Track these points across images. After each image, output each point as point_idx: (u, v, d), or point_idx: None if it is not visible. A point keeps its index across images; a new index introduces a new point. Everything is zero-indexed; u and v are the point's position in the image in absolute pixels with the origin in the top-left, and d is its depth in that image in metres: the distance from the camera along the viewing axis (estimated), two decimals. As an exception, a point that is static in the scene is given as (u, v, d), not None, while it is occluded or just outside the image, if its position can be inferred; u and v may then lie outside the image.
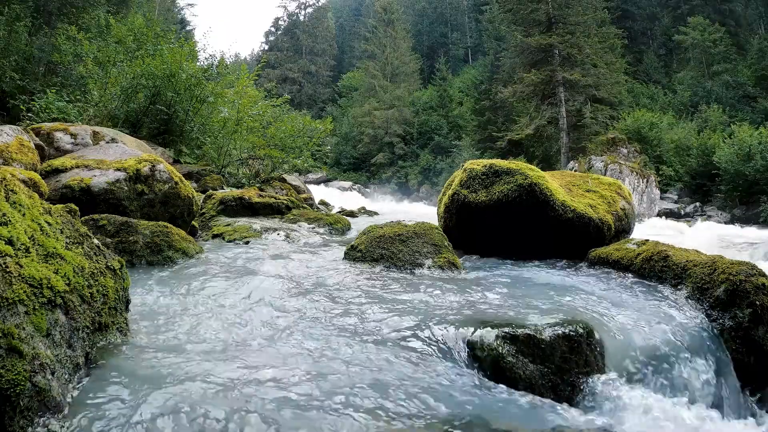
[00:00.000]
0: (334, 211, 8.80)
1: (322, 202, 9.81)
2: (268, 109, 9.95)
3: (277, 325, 1.86)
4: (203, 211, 4.96)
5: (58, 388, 1.14)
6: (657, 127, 25.20)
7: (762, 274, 2.25)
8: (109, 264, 1.60)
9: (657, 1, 40.29)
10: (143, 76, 8.14)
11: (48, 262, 1.31)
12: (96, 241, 1.64)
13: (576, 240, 3.35)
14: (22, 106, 8.11)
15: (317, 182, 29.18)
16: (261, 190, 6.77)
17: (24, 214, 1.35)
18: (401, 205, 24.46)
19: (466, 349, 1.69)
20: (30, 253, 1.25)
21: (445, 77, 41.36)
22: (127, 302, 1.69)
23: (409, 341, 1.73)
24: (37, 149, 4.12)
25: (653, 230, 10.62)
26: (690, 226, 13.51)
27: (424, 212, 13.52)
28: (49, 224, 1.44)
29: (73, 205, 1.71)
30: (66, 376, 1.21)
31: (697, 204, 21.84)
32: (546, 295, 2.37)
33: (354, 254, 2.96)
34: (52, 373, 1.14)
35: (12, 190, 1.37)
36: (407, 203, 27.40)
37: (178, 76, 8.12)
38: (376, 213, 10.77)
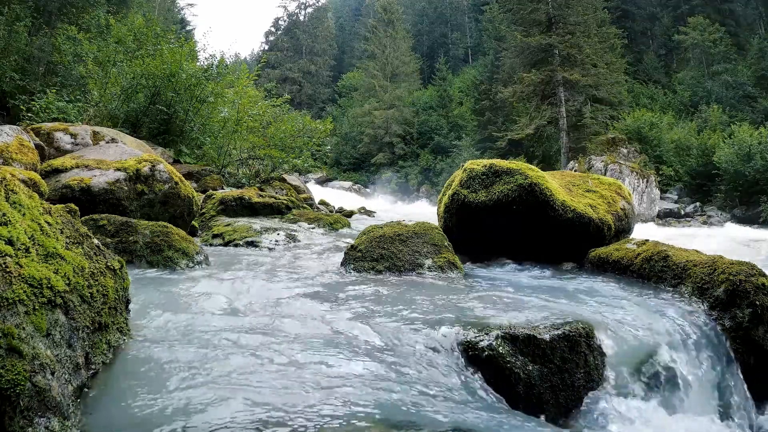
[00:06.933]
0: (333, 212, 8.80)
1: (322, 202, 9.80)
2: (268, 109, 9.96)
3: (276, 325, 1.86)
4: (203, 211, 4.96)
5: (58, 388, 1.14)
6: (657, 127, 25.20)
7: (762, 274, 2.25)
8: (109, 264, 1.60)
9: (657, 1, 40.26)
10: (143, 76, 8.14)
11: (48, 262, 1.30)
12: (96, 241, 1.64)
13: (576, 240, 3.35)
14: (22, 106, 8.11)
15: (317, 182, 29.18)
16: (261, 190, 6.77)
17: (24, 214, 1.34)
18: (401, 205, 24.47)
19: (465, 349, 1.69)
20: (30, 253, 1.25)
21: (445, 77, 41.33)
22: (127, 302, 1.69)
23: (406, 340, 1.73)
24: (37, 149, 4.11)
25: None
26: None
27: (424, 212, 13.52)
28: (49, 224, 1.43)
29: (73, 205, 1.70)
30: (66, 376, 1.21)
31: (697, 204, 21.84)
32: (546, 295, 2.37)
33: (354, 254, 2.96)
34: (52, 373, 1.14)
35: (12, 190, 1.37)
36: (407, 203, 27.40)
37: (178, 76, 8.12)
38: (375, 213, 10.77)
